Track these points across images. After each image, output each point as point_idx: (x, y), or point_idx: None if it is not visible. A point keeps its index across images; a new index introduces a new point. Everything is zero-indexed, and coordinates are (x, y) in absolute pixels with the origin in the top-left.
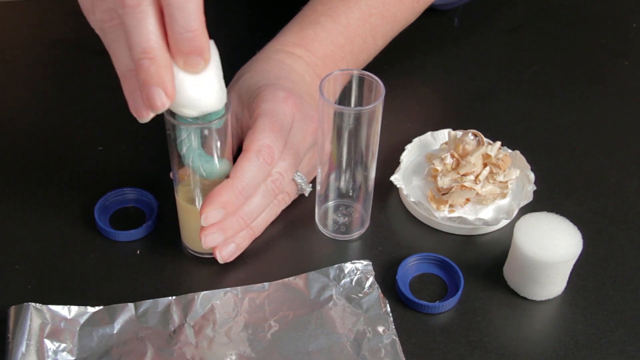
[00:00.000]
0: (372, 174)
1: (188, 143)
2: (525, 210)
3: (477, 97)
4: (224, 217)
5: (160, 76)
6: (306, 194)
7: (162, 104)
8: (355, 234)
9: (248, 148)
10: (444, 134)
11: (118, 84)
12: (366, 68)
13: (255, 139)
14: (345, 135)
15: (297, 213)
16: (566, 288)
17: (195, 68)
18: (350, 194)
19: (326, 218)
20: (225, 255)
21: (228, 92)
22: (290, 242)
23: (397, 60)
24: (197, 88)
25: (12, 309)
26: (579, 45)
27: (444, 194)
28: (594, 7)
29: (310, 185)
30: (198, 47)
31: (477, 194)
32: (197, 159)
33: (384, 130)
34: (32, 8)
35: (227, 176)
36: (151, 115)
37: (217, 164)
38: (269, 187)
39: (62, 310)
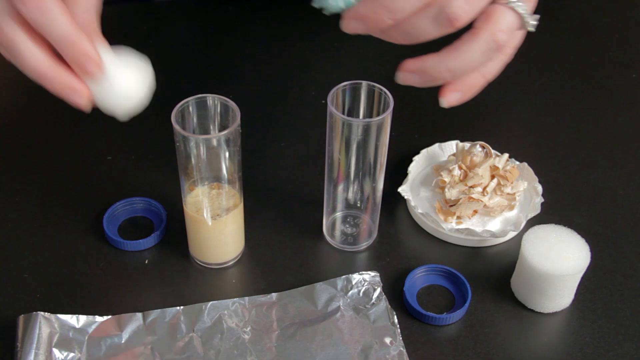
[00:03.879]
0: (380, 185)
1: None
2: (533, 222)
3: (485, 109)
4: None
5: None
6: (531, 27)
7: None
8: (363, 245)
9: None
10: (451, 146)
11: None
12: (374, 79)
13: None
14: (354, 146)
15: (305, 224)
16: (574, 300)
17: (90, 75)
18: (358, 205)
19: (334, 229)
20: (450, 98)
21: None
22: (297, 253)
23: None
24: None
25: (21, 318)
26: (587, 58)
27: (451, 206)
28: (602, 19)
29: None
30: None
31: (485, 205)
32: None
33: (391, 142)
34: None
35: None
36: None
37: None
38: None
39: (70, 319)
